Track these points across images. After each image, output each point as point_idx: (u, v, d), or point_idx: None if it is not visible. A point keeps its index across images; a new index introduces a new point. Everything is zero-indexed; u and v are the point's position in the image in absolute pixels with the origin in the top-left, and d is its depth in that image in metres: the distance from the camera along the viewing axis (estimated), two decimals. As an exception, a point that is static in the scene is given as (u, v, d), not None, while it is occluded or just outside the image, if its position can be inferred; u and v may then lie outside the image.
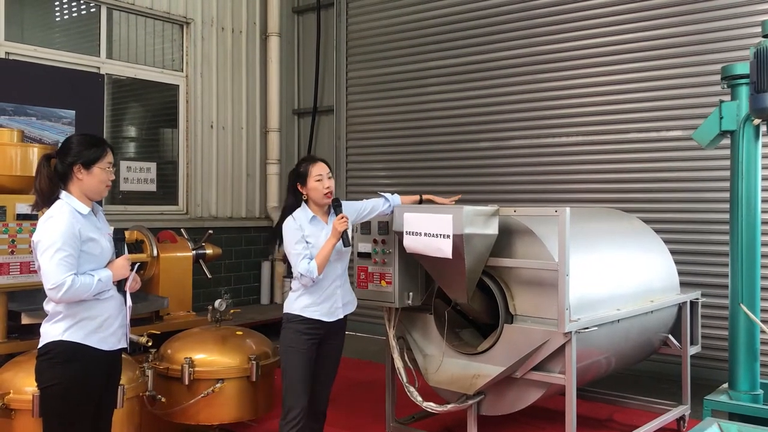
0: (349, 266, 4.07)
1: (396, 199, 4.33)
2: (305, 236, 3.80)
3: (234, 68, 8.80)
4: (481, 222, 4.02)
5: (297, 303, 3.86)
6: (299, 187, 3.88)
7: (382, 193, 4.35)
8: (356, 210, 4.15)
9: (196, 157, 8.39)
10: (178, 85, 8.32)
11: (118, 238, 3.20)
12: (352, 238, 4.23)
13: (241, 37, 8.90)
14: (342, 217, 3.80)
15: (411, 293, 4.46)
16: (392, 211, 4.29)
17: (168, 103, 8.39)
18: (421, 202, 4.44)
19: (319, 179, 3.84)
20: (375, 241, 4.45)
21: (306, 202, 3.91)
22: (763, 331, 4.58)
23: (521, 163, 7.33)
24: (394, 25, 8.35)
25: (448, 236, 3.95)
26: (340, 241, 3.80)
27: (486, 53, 7.57)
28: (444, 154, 7.91)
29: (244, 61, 8.92)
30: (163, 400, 4.23)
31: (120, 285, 3.16)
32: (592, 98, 6.88)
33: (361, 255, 4.55)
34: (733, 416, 4.43)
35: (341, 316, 3.95)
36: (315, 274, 3.73)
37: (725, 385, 4.81)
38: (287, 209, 3.92)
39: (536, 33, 7.22)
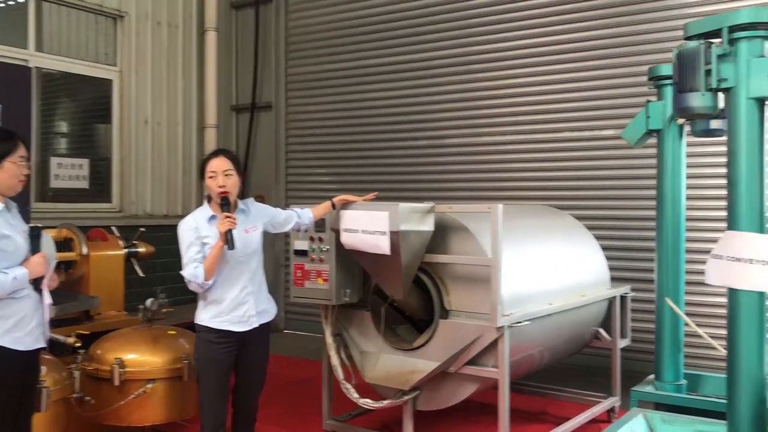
0: (285, 264, 4.02)
1: (307, 212, 4.11)
2: (202, 237, 3.57)
3: (170, 63, 8.61)
4: (417, 219, 4.06)
5: (204, 312, 3.65)
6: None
7: (294, 208, 4.12)
8: (269, 215, 3.92)
9: (131, 153, 8.16)
10: (111, 80, 8.09)
11: (35, 235, 3.10)
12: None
13: (177, 32, 8.71)
14: (226, 217, 3.47)
15: (348, 290, 4.46)
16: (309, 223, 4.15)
17: (101, 98, 8.14)
18: (333, 206, 4.20)
19: (212, 176, 3.59)
20: (312, 239, 4.44)
21: (209, 199, 3.72)
22: (687, 324, 4.74)
23: (458, 161, 7.42)
24: (334, 22, 8.33)
25: (385, 233, 3.97)
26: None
27: (424, 51, 7.63)
28: (383, 151, 7.93)
29: (180, 57, 8.72)
30: (92, 401, 4.12)
31: (37, 283, 3.06)
32: (526, 97, 7.01)
33: (297, 252, 4.52)
34: (659, 406, 4.58)
35: (256, 325, 3.68)
36: (201, 280, 3.48)
37: (652, 376, 4.96)
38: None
39: (473, 33, 7.31)
